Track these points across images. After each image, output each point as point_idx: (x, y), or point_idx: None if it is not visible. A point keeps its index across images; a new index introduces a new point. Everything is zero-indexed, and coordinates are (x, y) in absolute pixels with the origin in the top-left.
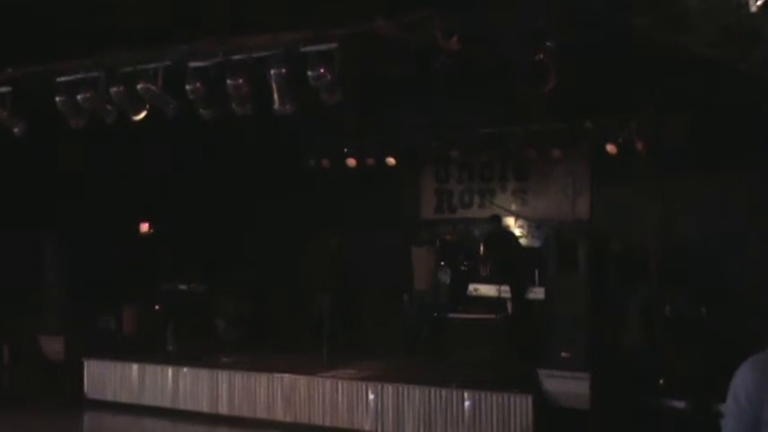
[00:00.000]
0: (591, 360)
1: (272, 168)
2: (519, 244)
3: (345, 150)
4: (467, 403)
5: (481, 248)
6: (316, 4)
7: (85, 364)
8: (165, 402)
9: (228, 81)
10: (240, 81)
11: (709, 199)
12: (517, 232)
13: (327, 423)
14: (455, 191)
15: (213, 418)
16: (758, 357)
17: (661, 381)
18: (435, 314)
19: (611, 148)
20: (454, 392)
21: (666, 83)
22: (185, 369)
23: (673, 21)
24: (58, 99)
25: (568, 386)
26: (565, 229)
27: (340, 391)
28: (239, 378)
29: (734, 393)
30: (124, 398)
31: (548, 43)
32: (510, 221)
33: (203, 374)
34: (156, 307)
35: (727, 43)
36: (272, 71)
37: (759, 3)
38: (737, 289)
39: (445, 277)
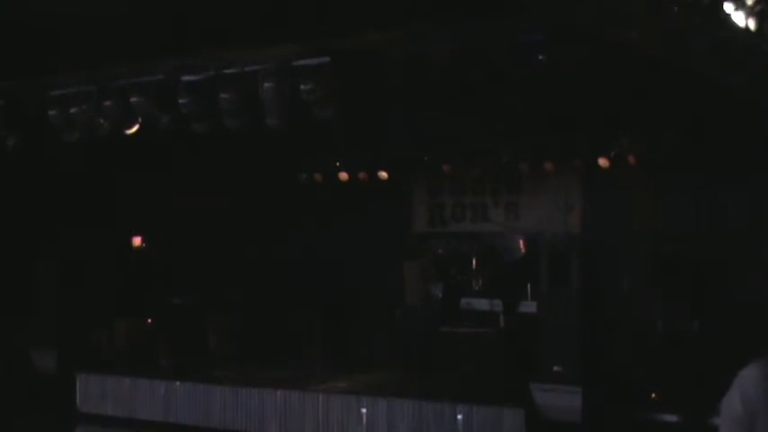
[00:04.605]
0: (583, 374)
1: (263, 182)
2: (510, 258)
3: (337, 164)
4: (459, 417)
5: (473, 262)
6: (308, 17)
7: (78, 377)
8: (158, 416)
9: (221, 95)
10: (232, 95)
11: (701, 212)
12: (509, 246)
13: None
14: (447, 204)
15: None
16: (760, 362)
17: (653, 394)
18: (427, 328)
19: (603, 161)
20: (446, 406)
21: (659, 96)
22: (178, 383)
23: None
24: (51, 113)
25: (561, 400)
26: (557, 242)
27: (332, 405)
28: (232, 392)
29: (733, 395)
30: (116, 412)
31: (540, 57)
32: (502, 235)
33: (196, 389)
34: (149, 321)
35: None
36: (265, 85)
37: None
38: (731, 302)
39: (437, 291)
